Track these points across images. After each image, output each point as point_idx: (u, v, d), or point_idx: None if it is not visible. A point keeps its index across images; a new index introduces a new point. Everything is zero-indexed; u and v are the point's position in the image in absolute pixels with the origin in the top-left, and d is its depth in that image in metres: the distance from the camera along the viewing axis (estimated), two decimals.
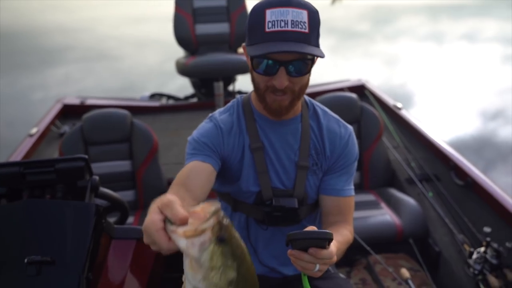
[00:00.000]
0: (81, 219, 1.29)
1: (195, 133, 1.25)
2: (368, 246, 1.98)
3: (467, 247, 1.99)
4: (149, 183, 2.37)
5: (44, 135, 3.10)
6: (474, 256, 1.89)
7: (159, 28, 8.20)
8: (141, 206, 2.36)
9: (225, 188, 1.31)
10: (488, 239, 1.88)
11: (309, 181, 1.28)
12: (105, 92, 5.66)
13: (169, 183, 2.38)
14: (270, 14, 1.08)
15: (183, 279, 0.79)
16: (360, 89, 3.61)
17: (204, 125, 1.27)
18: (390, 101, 3.38)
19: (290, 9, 1.08)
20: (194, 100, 4.21)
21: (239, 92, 4.02)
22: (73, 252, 1.23)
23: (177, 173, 1.16)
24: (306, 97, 1.33)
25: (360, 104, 2.61)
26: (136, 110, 3.37)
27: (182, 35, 3.85)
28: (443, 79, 6.86)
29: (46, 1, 14.45)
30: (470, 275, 1.88)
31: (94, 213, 1.29)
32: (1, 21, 11.12)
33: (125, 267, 1.44)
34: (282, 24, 1.07)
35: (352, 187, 1.32)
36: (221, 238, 0.71)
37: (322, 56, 1.12)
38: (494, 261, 1.82)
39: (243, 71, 3.67)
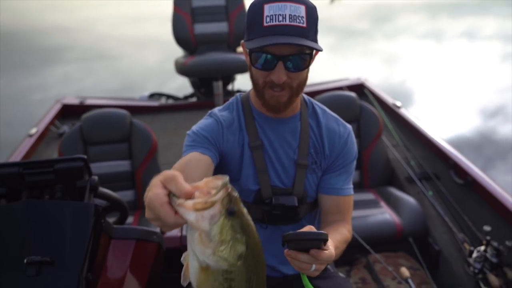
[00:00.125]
0: (80, 219, 1.29)
1: (194, 127, 1.24)
2: (368, 245, 1.98)
3: (467, 246, 1.99)
4: (149, 183, 2.36)
5: (43, 135, 3.10)
6: (474, 254, 1.89)
7: (158, 28, 8.19)
8: (140, 206, 2.36)
9: None
10: (488, 237, 1.88)
11: (309, 180, 1.28)
12: (104, 92, 5.65)
13: None
14: (268, 9, 1.09)
15: (182, 259, 0.78)
16: (360, 88, 3.61)
17: (204, 120, 1.26)
18: (389, 99, 3.38)
19: (288, 4, 1.09)
20: (194, 99, 4.21)
21: (238, 91, 4.00)
22: (72, 252, 1.23)
23: None
24: (305, 96, 1.33)
25: (360, 103, 2.60)
26: (135, 110, 3.36)
27: (181, 35, 3.84)
28: (443, 77, 6.86)
29: (45, 1, 14.43)
30: (470, 274, 1.88)
31: (93, 213, 1.29)
32: (0, 21, 11.11)
33: (125, 267, 1.44)
34: (280, 18, 1.08)
35: (351, 186, 1.32)
36: (231, 211, 0.70)
37: (320, 50, 1.12)
38: (494, 260, 1.82)
39: (242, 70, 3.66)
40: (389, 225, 2.21)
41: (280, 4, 1.09)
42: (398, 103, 3.28)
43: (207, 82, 3.84)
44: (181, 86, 5.03)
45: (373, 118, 2.57)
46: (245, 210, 0.74)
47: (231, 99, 1.32)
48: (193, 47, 3.88)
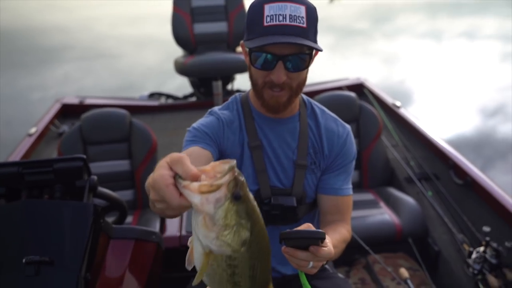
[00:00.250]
0: (79, 219, 1.29)
1: (195, 124, 1.24)
2: (367, 245, 1.98)
3: (466, 247, 1.99)
4: None
5: (43, 135, 3.10)
6: (474, 255, 1.89)
7: (157, 27, 8.18)
8: (140, 206, 2.36)
9: None
10: (487, 238, 1.87)
11: (308, 180, 1.28)
12: (104, 92, 5.65)
13: None
14: (269, 9, 1.10)
15: (188, 243, 0.77)
16: (359, 88, 3.61)
17: (204, 118, 1.27)
18: (389, 99, 3.38)
19: (288, 4, 1.09)
20: (193, 99, 4.21)
21: (238, 91, 4.00)
22: (71, 252, 1.23)
23: None
24: (304, 96, 1.33)
25: (359, 103, 2.60)
26: (135, 110, 3.36)
27: (181, 35, 3.84)
28: (442, 77, 6.86)
29: (45, 1, 14.43)
30: (470, 275, 1.88)
31: (92, 213, 1.29)
32: (0, 21, 11.10)
33: (124, 267, 1.44)
34: (281, 18, 1.09)
35: (350, 186, 1.33)
36: (237, 195, 0.69)
37: (320, 50, 1.13)
38: (493, 261, 1.82)
39: (241, 70, 3.66)
40: (389, 225, 2.21)
41: (280, 4, 1.09)
42: (398, 103, 3.28)
43: (206, 82, 3.84)
44: (181, 86, 5.03)
45: (372, 118, 2.57)
46: (251, 196, 0.72)
47: (230, 99, 1.32)
48: (193, 47, 3.88)
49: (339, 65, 7.26)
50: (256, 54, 1.12)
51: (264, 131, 1.27)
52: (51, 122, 3.29)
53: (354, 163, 1.33)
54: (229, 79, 4.06)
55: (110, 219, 1.61)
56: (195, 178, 0.68)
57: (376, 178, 2.57)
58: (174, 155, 0.71)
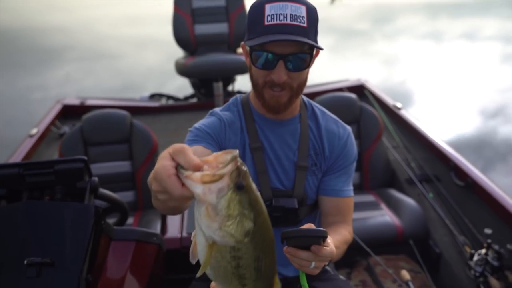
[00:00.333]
0: (80, 221, 1.29)
1: (196, 124, 1.24)
2: (368, 247, 1.97)
3: (467, 249, 1.98)
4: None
5: (44, 136, 3.10)
6: (475, 258, 1.88)
7: (158, 28, 8.19)
8: (140, 207, 2.35)
9: None
10: (489, 240, 1.87)
11: (309, 182, 1.28)
12: (104, 92, 5.65)
13: None
14: (269, 8, 1.10)
15: (191, 238, 0.76)
16: (360, 89, 3.61)
17: (206, 119, 1.26)
18: (389, 101, 3.38)
19: (289, 4, 1.10)
20: (194, 100, 4.21)
21: (239, 92, 4.01)
22: (72, 253, 1.23)
23: None
24: (304, 98, 1.33)
25: (360, 104, 2.60)
26: (135, 111, 3.36)
27: (181, 35, 3.84)
28: (443, 78, 6.86)
29: (45, 1, 14.44)
30: (471, 277, 1.88)
31: (93, 214, 1.29)
32: (1, 22, 11.11)
33: (125, 269, 1.44)
34: (281, 17, 1.09)
35: (351, 187, 1.33)
36: (240, 185, 0.68)
37: (321, 48, 1.13)
38: (495, 263, 1.81)
39: (242, 71, 3.66)
40: (390, 227, 2.20)
41: (281, 3, 1.10)
42: (399, 105, 3.28)
43: (207, 83, 3.84)
44: (181, 87, 5.03)
45: (373, 119, 2.57)
46: (254, 186, 0.71)
47: (230, 100, 1.32)
48: (193, 47, 3.88)
49: (339, 66, 7.26)
50: (257, 53, 1.13)
51: (265, 132, 1.27)
52: (52, 123, 3.29)
53: (355, 164, 1.33)
54: (230, 80, 4.06)
55: (111, 221, 1.60)
56: (198, 169, 0.68)
57: (377, 179, 2.57)
58: (177, 145, 0.71)
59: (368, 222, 2.23)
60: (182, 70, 3.77)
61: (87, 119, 2.38)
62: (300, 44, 1.11)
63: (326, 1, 13.52)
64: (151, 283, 1.52)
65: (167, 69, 5.13)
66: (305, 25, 1.10)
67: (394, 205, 2.35)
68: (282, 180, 1.27)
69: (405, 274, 1.96)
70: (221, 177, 0.67)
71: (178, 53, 4.08)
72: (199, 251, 0.72)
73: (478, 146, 4.67)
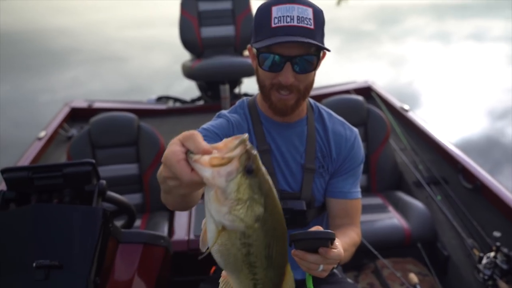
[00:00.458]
0: (89, 224, 1.29)
1: (204, 125, 1.24)
2: (375, 250, 1.97)
3: (476, 252, 1.97)
4: (156, 186, 2.35)
5: (52, 139, 3.12)
6: (484, 261, 1.86)
7: (165, 31, 8.23)
8: (148, 210, 2.36)
9: None
10: (498, 243, 1.85)
11: (316, 184, 1.28)
12: (111, 95, 5.69)
13: None
14: (276, 11, 1.11)
15: (202, 225, 0.75)
16: (367, 91, 3.60)
17: (214, 121, 1.27)
18: (397, 103, 3.36)
19: (296, 6, 1.10)
20: (201, 103, 4.21)
21: (245, 95, 4.02)
22: (80, 256, 1.24)
23: None
24: (311, 100, 1.34)
25: (367, 107, 2.59)
26: (143, 113, 3.37)
27: (188, 38, 3.86)
28: (450, 80, 6.83)
29: (53, 4, 14.56)
30: (480, 280, 1.86)
31: (101, 217, 1.30)
32: (8, 25, 11.22)
33: (132, 271, 1.44)
34: (288, 19, 1.10)
35: (359, 189, 1.32)
36: (249, 169, 0.67)
37: (328, 50, 1.13)
38: (504, 266, 1.79)
39: (249, 73, 3.67)
40: (397, 230, 2.19)
41: (288, 6, 1.10)
42: (406, 107, 3.26)
43: (214, 85, 3.85)
44: (188, 89, 5.05)
45: (380, 121, 2.56)
46: (264, 170, 0.70)
47: (237, 103, 1.33)
48: (200, 50, 3.89)
49: (346, 68, 7.25)
50: (264, 55, 1.13)
51: (272, 135, 1.27)
52: (60, 126, 3.31)
53: (362, 166, 1.33)
54: (237, 82, 4.06)
55: (118, 223, 1.61)
56: (207, 153, 0.67)
57: (385, 182, 2.56)
58: (186, 132, 0.71)
59: (376, 224, 2.22)
60: (188, 73, 3.78)
61: (95, 122, 2.39)
62: (307, 46, 1.11)
63: (332, 2, 13.51)
64: (159, 285, 1.53)
65: (174, 71, 5.15)
66: (311, 27, 1.10)
67: (401, 208, 2.34)
68: (290, 183, 1.27)
69: (413, 277, 1.94)
70: (230, 160, 0.66)
71: (185, 54, 4.10)
72: (209, 238, 0.71)
73: (486, 147, 4.63)
